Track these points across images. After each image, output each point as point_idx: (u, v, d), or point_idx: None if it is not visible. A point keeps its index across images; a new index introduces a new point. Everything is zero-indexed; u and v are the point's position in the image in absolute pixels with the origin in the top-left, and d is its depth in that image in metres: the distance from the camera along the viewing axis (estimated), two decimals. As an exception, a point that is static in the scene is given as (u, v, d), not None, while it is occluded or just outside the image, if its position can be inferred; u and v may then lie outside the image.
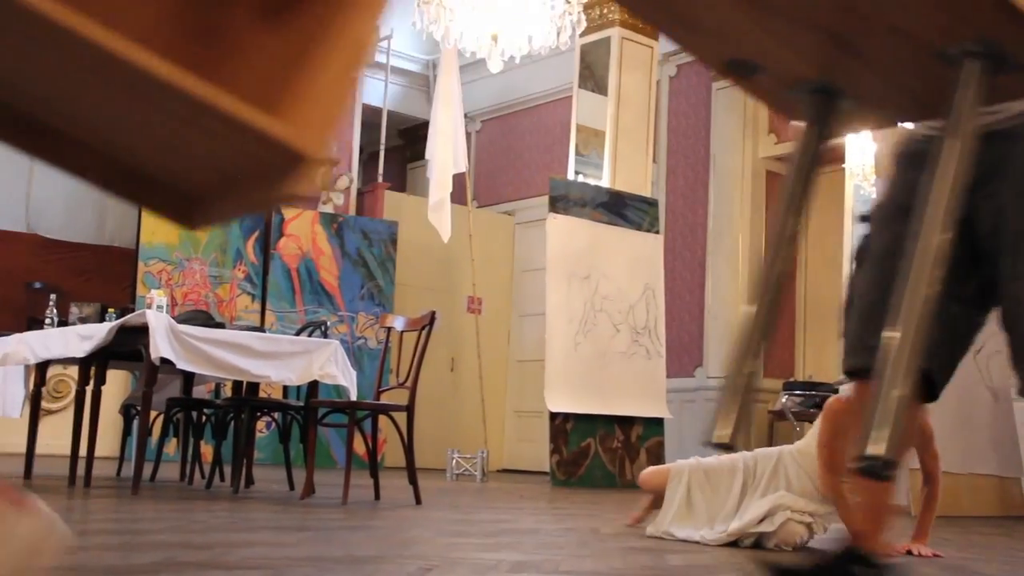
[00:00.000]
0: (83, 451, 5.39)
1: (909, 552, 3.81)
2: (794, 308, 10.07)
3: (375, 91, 11.31)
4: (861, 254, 2.32)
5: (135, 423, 6.55)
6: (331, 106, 0.85)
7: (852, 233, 7.52)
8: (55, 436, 7.95)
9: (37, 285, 10.03)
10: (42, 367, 5.83)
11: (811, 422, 8.72)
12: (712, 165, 10.11)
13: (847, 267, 7.54)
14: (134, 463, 5.05)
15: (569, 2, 6.36)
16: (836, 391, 8.03)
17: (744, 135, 9.90)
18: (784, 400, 8.55)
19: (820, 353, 9.67)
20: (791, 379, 9.26)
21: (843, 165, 7.79)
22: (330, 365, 5.25)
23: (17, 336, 5.81)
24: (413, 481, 5.22)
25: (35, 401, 5.96)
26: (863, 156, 7.53)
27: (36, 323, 6.41)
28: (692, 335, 10.08)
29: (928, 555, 3.80)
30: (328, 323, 7.02)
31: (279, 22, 0.87)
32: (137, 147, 0.91)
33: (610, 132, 9.17)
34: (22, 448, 5.88)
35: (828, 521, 3.86)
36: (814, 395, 8.56)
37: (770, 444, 8.74)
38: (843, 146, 7.90)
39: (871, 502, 2.42)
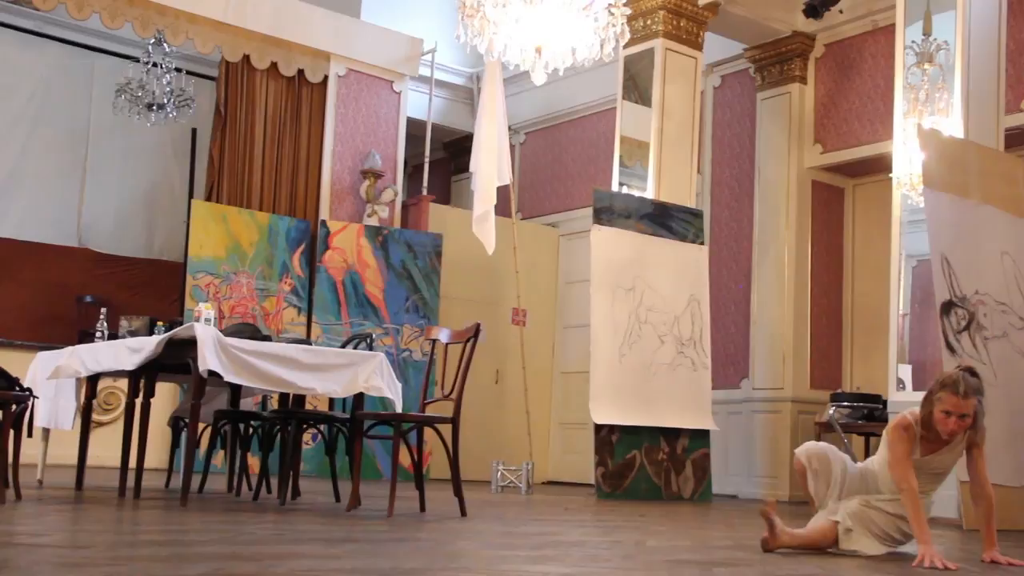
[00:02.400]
0: (132, 463, 5.46)
1: (994, 562, 3.90)
2: (841, 318, 9.98)
3: (419, 104, 11.37)
4: None
5: (183, 435, 6.62)
6: None
7: (900, 243, 7.43)
8: (105, 448, 8.06)
9: (88, 299, 10.18)
10: (93, 380, 5.91)
11: (858, 434, 8.62)
12: (757, 176, 10.05)
13: (895, 278, 7.45)
14: (182, 475, 5.09)
15: (612, 14, 6.34)
16: (884, 403, 7.94)
17: (789, 145, 9.84)
18: (831, 412, 8.46)
19: (868, 364, 9.56)
20: (838, 390, 9.16)
21: (890, 174, 7.71)
22: (375, 377, 5.26)
23: (69, 349, 5.90)
24: (458, 493, 5.22)
25: (86, 413, 6.04)
26: (910, 166, 7.44)
27: (87, 336, 6.51)
28: (738, 346, 10.02)
29: (1004, 562, 3.89)
30: (373, 335, 7.05)
31: None
32: None
33: (654, 143, 9.15)
34: (74, 460, 5.96)
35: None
36: (862, 407, 8.46)
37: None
38: (890, 155, 7.82)
39: None
